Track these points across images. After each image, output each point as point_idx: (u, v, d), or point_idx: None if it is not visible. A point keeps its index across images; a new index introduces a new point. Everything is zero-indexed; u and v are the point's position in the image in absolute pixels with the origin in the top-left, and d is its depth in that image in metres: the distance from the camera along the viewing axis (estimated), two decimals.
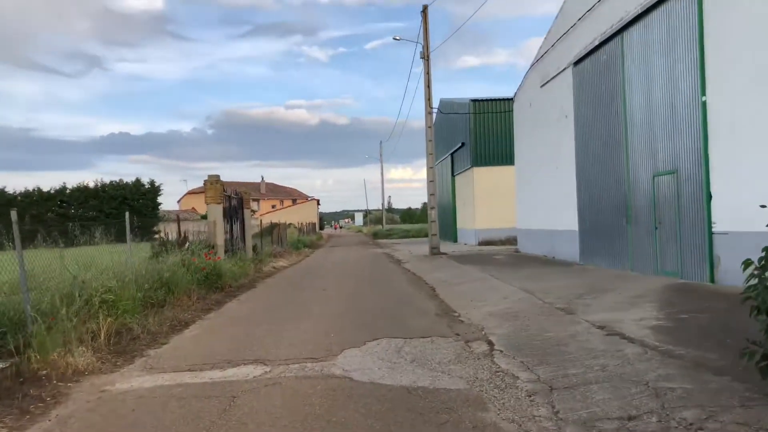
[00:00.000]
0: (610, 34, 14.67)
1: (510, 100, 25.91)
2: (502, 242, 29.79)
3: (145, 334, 8.37)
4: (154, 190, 53.81)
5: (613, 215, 15.20)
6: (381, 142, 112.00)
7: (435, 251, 24.74)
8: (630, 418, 4.35)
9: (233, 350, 7.42)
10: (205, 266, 13.40)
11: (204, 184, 18.35)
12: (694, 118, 11.42)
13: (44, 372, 6.06)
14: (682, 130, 11.88)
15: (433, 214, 25.76)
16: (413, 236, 52.84)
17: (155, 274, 10.96)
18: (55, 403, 5.42)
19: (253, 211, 33.93)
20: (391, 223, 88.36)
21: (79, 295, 7.59)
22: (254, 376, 6.12)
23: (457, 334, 7.97)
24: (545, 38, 19.80)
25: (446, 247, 28.76)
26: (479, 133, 32.09)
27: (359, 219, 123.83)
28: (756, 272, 4.39)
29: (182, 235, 15.83)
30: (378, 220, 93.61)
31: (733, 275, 10.34)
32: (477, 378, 5.78)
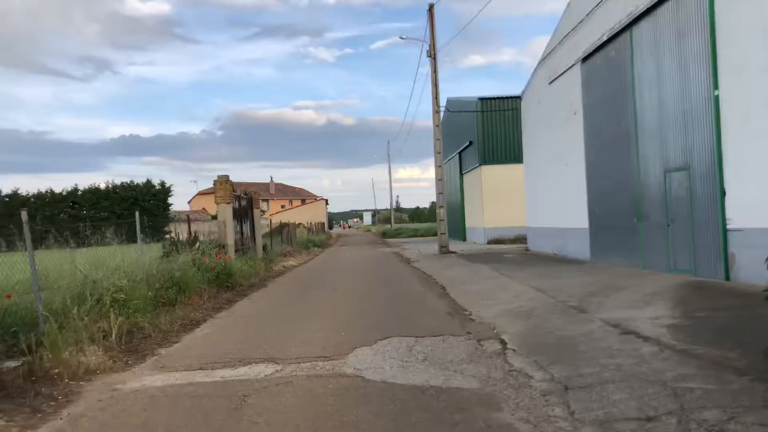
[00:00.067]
0: (618, 29, 14.51)
1: (518, 98, 25.76)
2: (511, 240, 29.63)
3: (156, 333, 8.37)
4: (165, 191, 54.06)
5: (624, 212, 15.05)
6: (389, 141, 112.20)
7: (444, 250, 24.65)
8: (649, 419, 4.25)
9: (244, 349, 7.39)
10: (215, 265, 13.41)
11: (214, 184, 18.38)
12: (706, 113, 11.26)
13: (56, 371, 6.06)
14: (693, 125, 11.73)
15: (441, 213, 25.67)
16: (422, 235, 52.74)
17: (166, 273, 10.98)
18: (66, 401, 5.42)
19: (263, 211, 34.00)
20: (399, 223, 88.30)
21: (90, 295, 7.61)
22: (265, 375, 6.08)
23: (469, 333, 7.90)
24: (552, 35, 19.66)
25: (455, 245, 28.65)
26: (487, 132, 31.94)
27: (368, 218, 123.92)
28: None
29: (193, 234, 15.86)
30: (386, 220, 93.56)
31: (748, 273, 10.18)
32: (490, 377, 5.71)
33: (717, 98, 10.87)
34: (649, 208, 13.72)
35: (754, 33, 9.94)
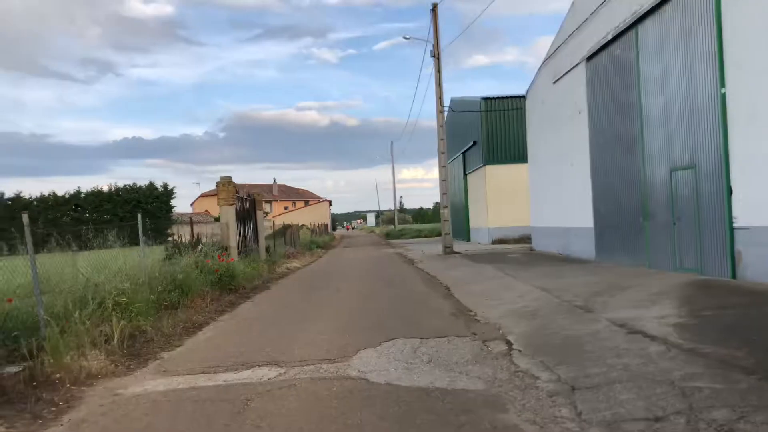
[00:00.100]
0: (623, 28, 14.43)
1: (522, 97, 25.69)
2: (515, 240, 29.54)
3: (158, 337, 8.31)
4: (168, 193, 54.18)
5: (629, 211, 14.96)
6: (392, 142, 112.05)
7: (448, 250, 24.58)
8: (657, 419, 4.20)
9: (247, 352, 7.34)
10: (218, 268, 13.36)
11: (216, 185, 18.34)
12: (712, 111, 11.17)
13: (57, 376, 6.01)
14: (700, 123, 11.64)
15: (445, 213, 25.60)
16: (425, 236, 52.68)
17: (168, 276, 10.93)
18: (67, 407, 5.36)
19: (266, 213, 33.98)
20: (403, 223, 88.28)
21: (92, 298, 7.56)
22: (269, 378, 6.03)
23: (474, 334, 7.83)
24: (557, 34, 19.59)
25: (459, 246, 28.59)
26: (491, 131, 31.86)
27: (371, 219, 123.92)
28: None
29: (195, 237, 15.83)
30: (390, 221, 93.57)
31: (755, 271, 10.11)
32: (496, 378, 5.65)
33: (723, 96, 10.78)
34: (655, 207, 13.63)
35: (761, 30, 9.86)
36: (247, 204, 21.12)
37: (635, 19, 13.76)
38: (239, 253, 17.88)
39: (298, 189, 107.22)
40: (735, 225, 10.62)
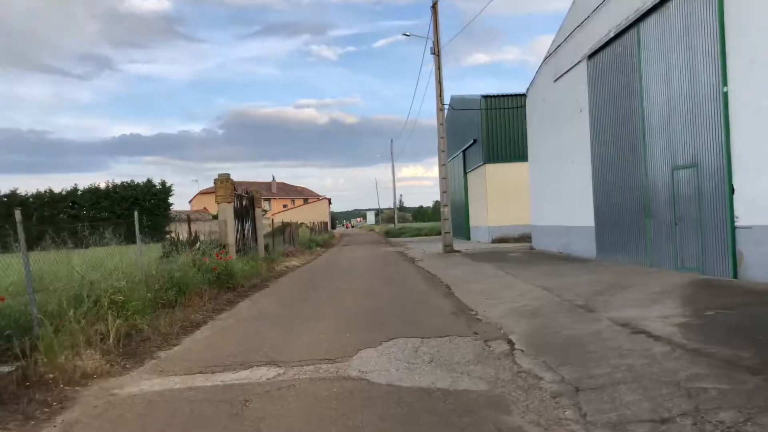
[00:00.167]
0: (625, 26, 14.33)
1: (522, 95, 25.60)
2: (515, 239, 29.49)
3: (155, 336, 8.19)
4: (166, 191, 53.90)
5: (630, 210, 14.88)
6: (392, 140, 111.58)
7: (448, 249, 24.49)
8: (663, 421, 4.12)
9: (246, 351, 7.24)
10: (216, 266, 13.25)
11: (214, 183, 18.21)
12: (715, 110, 11.08)
13: (51, 375, 5.89)
14: (702, 122, 11.55)
15: (446, 212, 25.51)
16: (425, 234, 52.62)
17: (166, 274, 10.81)
18: (61, 408, 5.25)
19: (265, 211, 33.86)
20: (402, 222, 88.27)
21: (87, 296, 7.45)
22: (267, 379, 5.92)
23: (476, 333, 7.74)
24: (558, 32, 19.49)
25: (459, 244, 28.52)
26: (491, 130, 31.77)
27: (371, 218, 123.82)
28: None
29: (193, 234, 15.72)
30: (390, 219, 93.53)
31: (756, 270, 10.04)
32: (498, 379, 5.57)
33: (726, 95, 10.70)
34: (656, 206, 13.55)
35: (764, 28, 9.77)
36: (245, 201, 21.01)
37: (638, 16, 13.66)
38: (237, 251, 17.77)
39: (297, 187, 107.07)
40: (737, 224, 10.55)
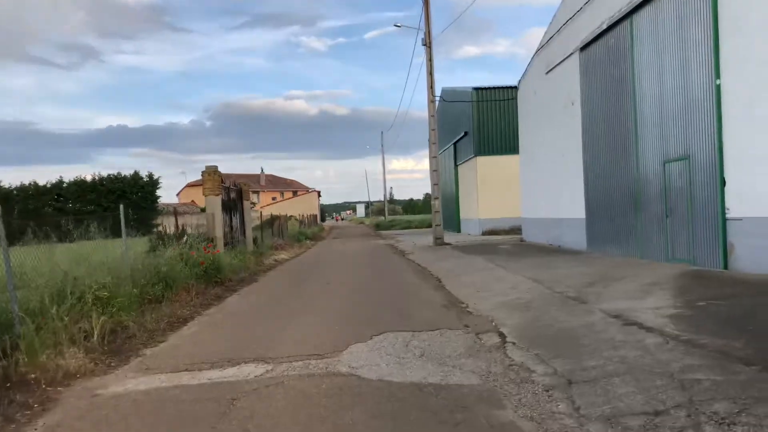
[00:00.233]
0: (618, 17, 14.24)
1: (513, 88, 25.51)
2: (506, 232, 29.49)
3: (141, 333, 8.04)
4: (153, 183, 53.35)
5: (621, 202, 14.87)
6: (382, 132, 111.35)
7: (439, 242, 24.44)
8: (657, 413, 4.08)
9: (234, 348, 7.11)
10: (203, 260, 13.08)
11: (202, 175, 17.99)
12: (707, 103, 11.04)
13: (33, 376, 5.72)
14: (694, 115, 11.51)
15: (436, 204, 25.44)
16: (416, 227, 52.61)
17: (152, 268, 10.62)
18: (42, 410, 5.09)
19: (253, 204, 33.65)
20: (393, 215, 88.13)
21: (70, 293, 7.27)
22: (255, 376, 5.81)
23: (467, 326, 7.67)
24: (550, 24, 19.38)
25: (450, 237, 28.47)
26: (482, 122, 31.69)
27: (361, 210, 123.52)
28: None
29: (180, 228, 15.52)
30: (380, 212, 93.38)
31: (746, 262, 10.06)
32: (490, 372, 5.50)
33: (718, 87, 10.66)
34: (648, 198, 13.53)
35: (758, 21, 9.74)
36: (233, 194, 20.80)
37: (631, 8, 13.58)
38: (226, 244, 17.59)
39: (286, 179, 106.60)
40: (728, 216, 10.56)
